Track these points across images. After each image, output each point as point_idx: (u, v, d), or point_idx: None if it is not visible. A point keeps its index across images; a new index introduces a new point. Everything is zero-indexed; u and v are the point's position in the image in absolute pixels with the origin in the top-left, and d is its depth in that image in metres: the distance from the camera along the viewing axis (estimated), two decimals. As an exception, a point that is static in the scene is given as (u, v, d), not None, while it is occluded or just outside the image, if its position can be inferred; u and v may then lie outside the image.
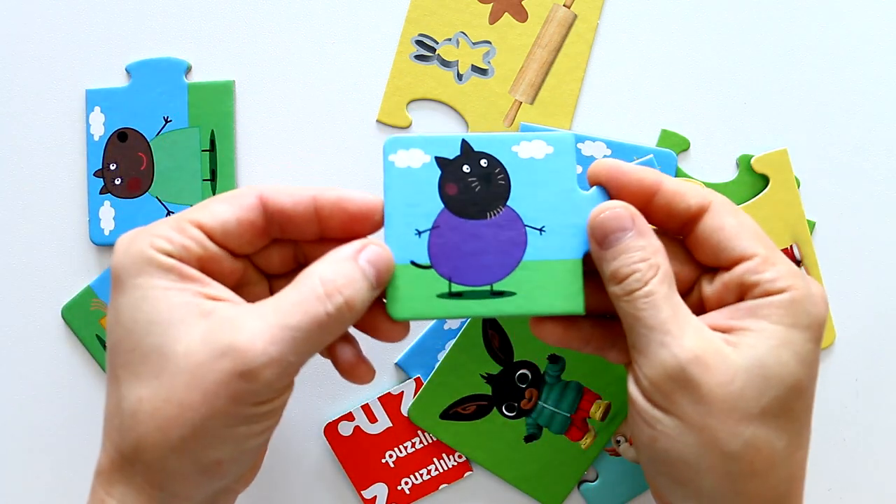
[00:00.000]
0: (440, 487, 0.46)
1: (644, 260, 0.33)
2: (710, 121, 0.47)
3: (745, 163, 0.46)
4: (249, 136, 0.47)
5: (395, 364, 0.46)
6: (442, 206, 0.35)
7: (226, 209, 0.33)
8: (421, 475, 0.46)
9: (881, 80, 0.47)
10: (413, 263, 0.34)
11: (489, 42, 0.46)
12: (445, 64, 0.46)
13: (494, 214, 0.35)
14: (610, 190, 0.35)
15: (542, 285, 0.34)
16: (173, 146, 0.46)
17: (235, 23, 0.47)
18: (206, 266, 0.33)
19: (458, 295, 0.34)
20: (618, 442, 0.45)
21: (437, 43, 0.46)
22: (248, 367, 0.30)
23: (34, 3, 0.47)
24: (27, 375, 0.47)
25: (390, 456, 0.46)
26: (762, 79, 0.47)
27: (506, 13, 0.46)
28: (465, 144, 0.35)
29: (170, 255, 0.32)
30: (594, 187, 0.35)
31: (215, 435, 0.31)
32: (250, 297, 0.34)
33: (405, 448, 0.46)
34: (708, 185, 0.45)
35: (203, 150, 0.46)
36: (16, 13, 0.47)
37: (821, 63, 0.47)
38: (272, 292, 0.37)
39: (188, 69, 0.47)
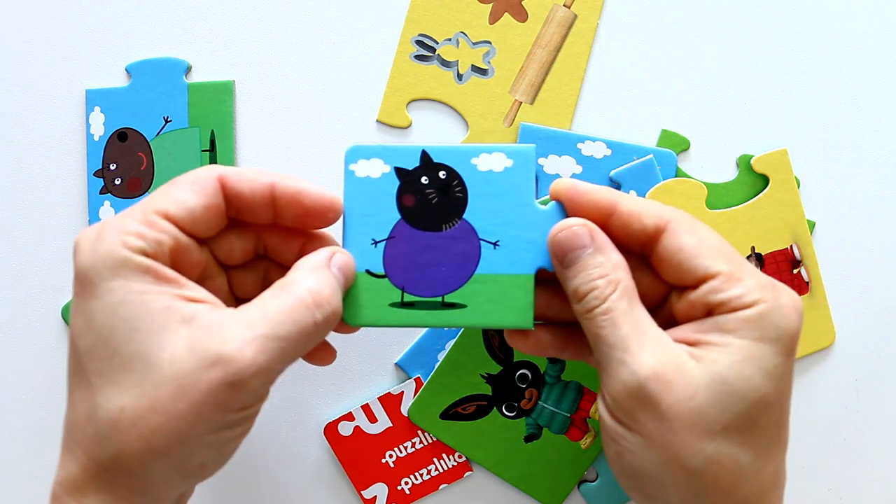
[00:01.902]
0: (440, 487, 0.46)
1: (602, 276, 0.33)
2: (710, 121, 0.47)
3: (745, 163, 0.46)
4: (249, 136, 0.47)
5: (395, 364, 0.46)
6: (398, 216, 0.35)
7: (191, 196, 0.33)
8: (421, 475, 0.46)
9: (881, 80, 0.47)
10: (368, 272, 0.35)
11: (489, 42, 0.46)
12: (445, 64, 0.46)
13: (450, 227, 0.35)
14: (567, 211, 0.35)
15: (493, 299, 0.35)
16: (173, 146, 0.46)
17: (235, 23, 0.47)
18: (176, 258, 0.33)
19: (410, 305, 0.35)
20: (618, 442, 0.45)
21: (437, 43, 0.46)
22: (238, 377, 0.30)
23: (34, 3, 0.47)
24: (27, 375, 0.47)
25: (390, 456, 0.46)
26: (762, 79, 0.47)
27: (506, 13, 0.46)
28: (424, 155, 0.35)
29: (144, 253, 0.31)
30: (552, 202, 0.35)
31: (200, 441, 0.30)
32: (212, 291, 0.34)
33: (405, 448, 0.46)
34: (708, 185, 0.45)
35: (203, 150, 0.46)
36: (16, 13, 0.47)
37: (821, 63, 0.47)
38: (230, 285, 0.37)
39: (188, 69, 0.47)
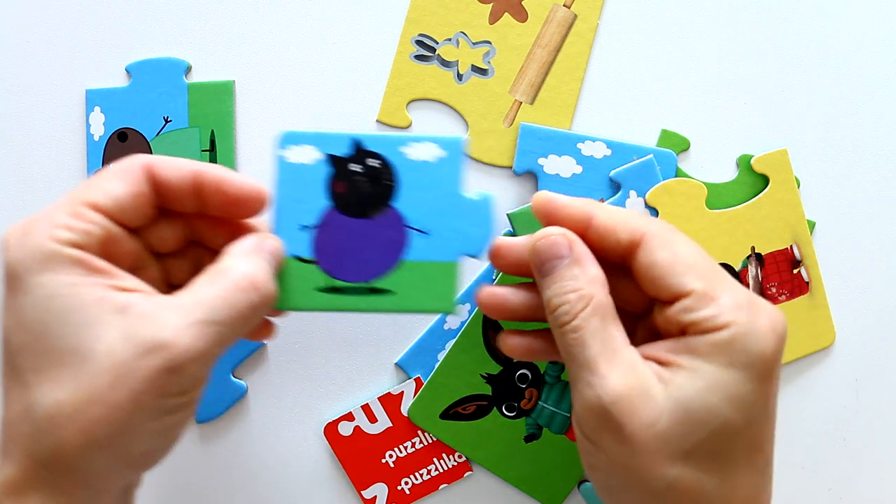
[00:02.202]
0: (440, 487, 0.46)
1: (575, 290, 0.32)
2: (710, 121, 0.47)
3: (745, 163, 0.46)
4: (249, 136, 0.47)
5: (395, 364, 0.46)
6: (328, 203, 0.35)
7: (119, 186, 0.33)
8: (421, 475, 0.46)
9: (881, 80, 0.47)
10: (297, 257, 0.35)
11: (489, 42, 0.46)
12: (445, 64, 0.46)
13: (379, 214, 0.35)
14: (545, 225, 0.35)
15: (419, 285, 0.35)
16: (173, 146, 0.46)
17: (235, 23, 0.47)
18: (107, 249, 0.32)
19: (339, 290, 0.35)
20: (618, 442, 0.45)
21: (437, 43, 0.46)
22: (176, 362, 0.29)
23: (34, 3, 0.47)
24: (27, 375, 0.47)
25: (390, 456, 0.46)
26: (762, 79, 0.47)
27: (506, 13, 0.46)
28: (356, 144, 0.36)
29: (73, 244, 0.31)
30: (482, 192, 0.35)
31: (141, 429, 0.30)
32: (146, 280, 0.34)
33: (405, 448, 0.46)
34: (708, 185, 0.45)
35: (203, 150, 0.46)
36: (16, 13, 0.47)
37: (821, 63, 0.47)
38: (165, 272, 0.37)
39: (188, 69, 0.47)
